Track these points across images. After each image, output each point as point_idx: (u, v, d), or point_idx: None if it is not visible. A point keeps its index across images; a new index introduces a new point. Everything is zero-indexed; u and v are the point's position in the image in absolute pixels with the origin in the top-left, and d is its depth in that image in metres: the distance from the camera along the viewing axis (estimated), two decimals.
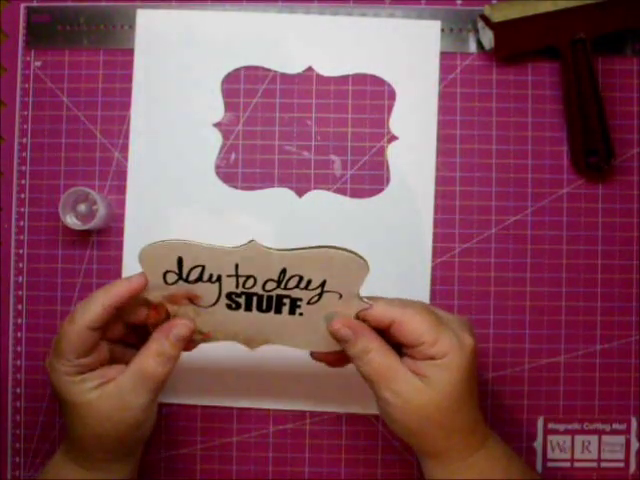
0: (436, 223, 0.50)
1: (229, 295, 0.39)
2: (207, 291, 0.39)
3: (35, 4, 0.51)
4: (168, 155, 0.50)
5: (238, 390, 0.50)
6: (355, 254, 0.38)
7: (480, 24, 0.50)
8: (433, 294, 0.50)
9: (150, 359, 0.39)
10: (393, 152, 0.50)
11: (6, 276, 0.51)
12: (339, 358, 0.41)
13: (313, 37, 0.51)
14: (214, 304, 0.40)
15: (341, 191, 0.50)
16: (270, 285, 0.39)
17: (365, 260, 0.38)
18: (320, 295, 0.39)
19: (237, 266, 0.39)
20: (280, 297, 0.39)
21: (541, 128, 0.50)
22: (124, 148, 0.51)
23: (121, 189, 0.50)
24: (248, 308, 0.40)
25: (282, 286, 0.39)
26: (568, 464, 0.50)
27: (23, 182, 0.51)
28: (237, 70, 0.51)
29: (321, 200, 0.50)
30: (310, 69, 0.51)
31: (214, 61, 0.51)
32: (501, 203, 0.50)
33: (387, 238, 0.50)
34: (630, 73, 0.51)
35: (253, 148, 0.51)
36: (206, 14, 0.51)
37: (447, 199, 0.50)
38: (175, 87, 0.51)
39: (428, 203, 0.50)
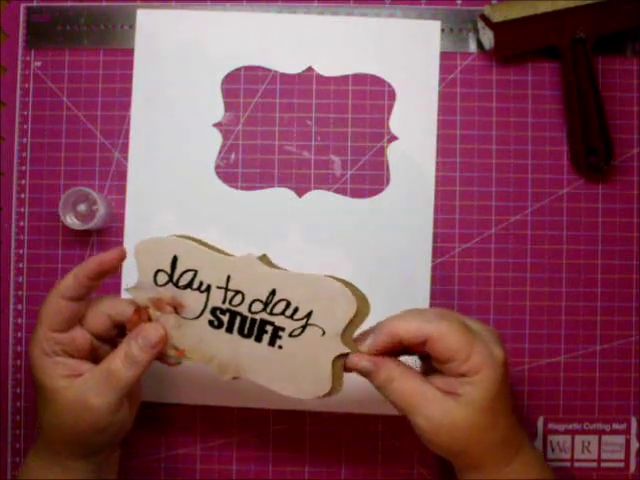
0: (436, 223, 0.50)
1: (214, 311, 0.39)
2: (194, 301, 0.39)
3: (35, 4, 0.51)
4: (168, 155, 0.50)
5: (238, 390, 0.50)
6: (355, 292, 0.38)
7: (480, 24, 0.50)
8: (433, 294, 0.50)
9: (117, 360, 0.39)
10: (393, 152, 0.50)
11: (6, 276, 0.51)
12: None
13: (313, 37, 0.51)
14: (197, 317, 0.39)
15: (341, 191, 0.50)
16: (256, 306, 0.39)
17: (358, 297, 0.38)
18: (304, 328, 0.38)
19: (229, 278, 0.38)
20: (263, 323, 0.39)
21: (541, 128, 0.50)
22: (124, 148, 0.51)
23: (121, 189, 0.50)
24: (229, 329, 0.39)
25: (268, 310, 0.39)
26: (568, 464, 0.50)
27: (23, 182, 0.51)
28: (237, 70, 0.51)
29: (321, 200, 0.50)
30: (310, 69, 0.51)
31: (214, 61, 0.51)
32: (501, 203, 0.50)
33: (387, 238, 0.50)
34: (630, 73, 0.51)
35: (253, 148, 0.51)
36: (206, 14, 0.51)
37: (447, 199, 0.50)
38: (175, 87, 0.51)
39: (428, 203, 0.50)
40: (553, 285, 0.50)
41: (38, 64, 0.51)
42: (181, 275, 0.39)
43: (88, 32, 0.51)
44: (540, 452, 0.42)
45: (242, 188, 0.50)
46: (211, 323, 0.39)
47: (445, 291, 0.50)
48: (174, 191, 0.50)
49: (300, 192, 0.50)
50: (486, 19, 0.49)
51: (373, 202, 0.50)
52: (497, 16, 0.48)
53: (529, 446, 0.41)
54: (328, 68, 0.51)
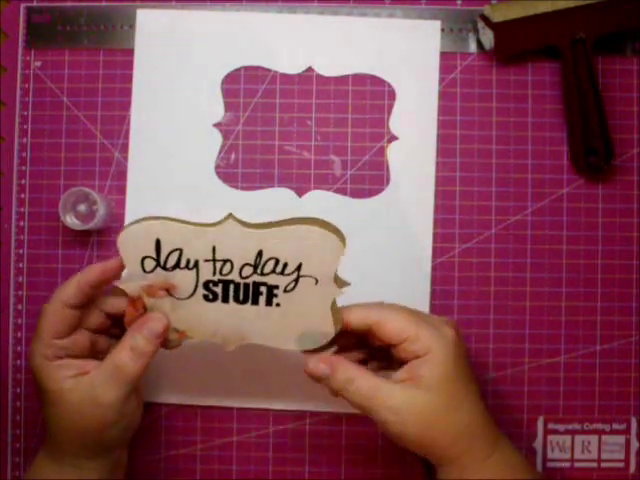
0: (436, 223, 0.50)
1: (206, 284, 0.39)
2: (185, 280, 0.39)
3: (35, 4, 0.51)
4: (168, 155, 0.50)
5: (238, 390, 0.50)
6: (331, 229, 0.38)
7: (480, 24, 0.50)
8: (433, 294, 0.50)
9: (123, 353, 0.39)
10: (393, 152, 0.50)
11: (6, 276, 0.51)
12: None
13: (313, 37, 0.51)
14: (191, 295, 0.39)
15: (341, 191, 0.50)
16: (247, 271, 0.39)
17: (341, 237, 0.38)
18: (296, 281, 0.39)
19: (214, 249, 0.38)
20: (257, 285, 0.39)
21: (541, 128, 0.50)
22: (124, 148, 0.51)
23: (121, 189, 0.50)
24: (225, 299, 0.39)
25: (259, 271, 0.39)
26: (568, 464, 0.50)
27: (23, 182, 0.51)
28: (237, 70, 0.51)
29: (321, 200, 0.50)
30: (310, 69, 0.51)
31: (214, 61, 0.51)
32: (501, 203, 0.50)
33: (387, 238, 0.50)
34: (630, 73, 0.51)
35: (253, 148, 0.51)
36: (206, 14, 0.51)
37: (447, 199, 0.50)
38: (175, 87, 0.51)
39: (428, 203, 0.50)
40: (553, 285, 0.50)
41: (38, 64, 0.51)
42: (167, 257, 0.38)
43: (88, 32, 0.51)
44: (519, 452, 0.42)
45: (242, 188, 0.50)
46: (206, 297, 0.39)
47: (445, 291, 0.50)
48: (174, 191, 0.50)
49: (300, 192, 0.50)
50: (486, 19, 0.49)
51: (373, 202, 0.50)
52: (497, 16, 0.48)
53: (507, 444, 0.41)
54: (328, 68, 0.51)
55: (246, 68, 0.51)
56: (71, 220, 0.49)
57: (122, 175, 0.50)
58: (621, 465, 0.50)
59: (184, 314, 0.40)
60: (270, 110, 0.51)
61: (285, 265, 0.38)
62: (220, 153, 0.51)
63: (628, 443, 0.50)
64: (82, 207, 0.50)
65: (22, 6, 0.51)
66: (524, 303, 0.50)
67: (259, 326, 0.40)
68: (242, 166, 0.51)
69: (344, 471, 0.50)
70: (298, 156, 0.51)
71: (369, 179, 0.50)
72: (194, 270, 0.39)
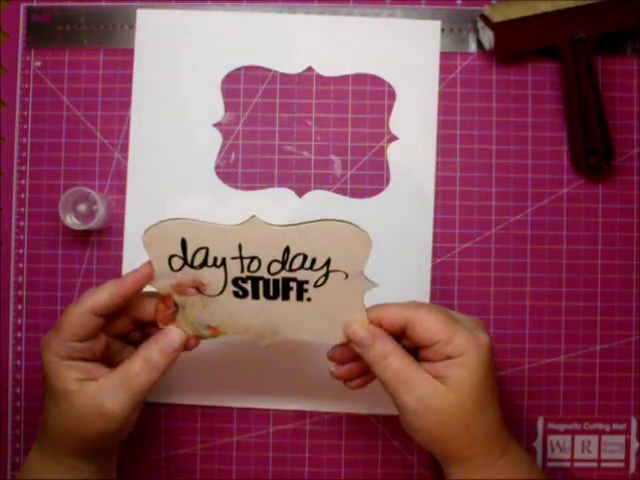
0: (436, 223, 0.50)
1: (235, 281, 0.39)
2: (213, 277, 0.39)
3: (35, 4, 0.51)
4: (168, 155, 0.50)
5: (238, 390, 0.50)
6: (356, 227, 0.38)
7: (480, 24, 0.50)
8: (433, 294, 0.50)
9: (136, 364, 0.38)
10: (393, 152, 0.50)
11: (6, 276, 0.51)
12: (359, 373, 0.41)
13: (313, 37, 0.51)
14: (221, 292, 0.39)
15: (341, 191, 0.50)
16: (275, 267, 0.38)
17: (366, 233, 0.38)
18: (326, 276, 0.39)
19: (240, 247, 0.38)
20: (286, 280, 0.39)
21: (541, 128, 0.50)
22: (124, 148, 0.51)
23: (121, 189, 0.50)
24: (255, 295, 0.39)
25: (287, 267, 0.38)
26: (568, 464, 0.50)
27: (23, 182, 0.51)
28: (237, 70, 0.51)
29: (321, 200, 0.50)
30: (310, 69, 0.51)
31: (214, 61, 0.51)
32: (501, 203, 0.50)
33: (387, 238, 0.50)
34: (630, 73, 0.51)
35: (253, 148, 0.51)
36: (206, 14, 0.51)
37: (447, 199, 0.50)
38: (175, 87, 0.51)
39: (428, 203, 0.50)
40: (553, 285, 0.50)
41: (38, 64, 0.51)
42: (194, 255, 0.38)
43: (88, 32, 0.51)
44: (528, 454, 0.41)
45: (242, 188, 0.50)
46: (236, 294, 0.39)
47: (445, 291, 0.50)
48: (174, 191, 0.50)
49: (300, 192, 0.50)
50: (486, 19, 0.49)
51: (373, 202, 0.50)
52: (497, 16, 0.48)
53: (517, 446, 0.41)
54: (328, 68, 0.51)
55: (246, 68, 0.51)
56: (71, 220, 0.49)
57: (122, 175, 0.50)
58: (621, 465, 0.50)
59: (216, 310, 0.40)
60: (270, 110, 0.51)
61: (314, 260, 0.38)
62: (220, 153, 0.51)
63: (628, 443, 0.50)
64: (82, 207, 0.50)
65: (22, 6, 0.51)
66: (524, 303, 0.50)
67: (292, 321, 0.40)
68: (242, 166, 0.51)
69: (344, 471, 0.50)
70: (298, 156, 0.51)
71: (369, 179, 0.50)
72: (222, 268, 0.39)
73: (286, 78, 0.51)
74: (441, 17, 0.51)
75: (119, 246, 0.50)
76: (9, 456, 0.50)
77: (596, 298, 0.50)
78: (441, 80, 0.50)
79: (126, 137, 0.50)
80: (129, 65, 0.51)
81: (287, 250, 0.38)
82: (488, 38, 0.49)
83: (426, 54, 0.51)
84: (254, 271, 0.39)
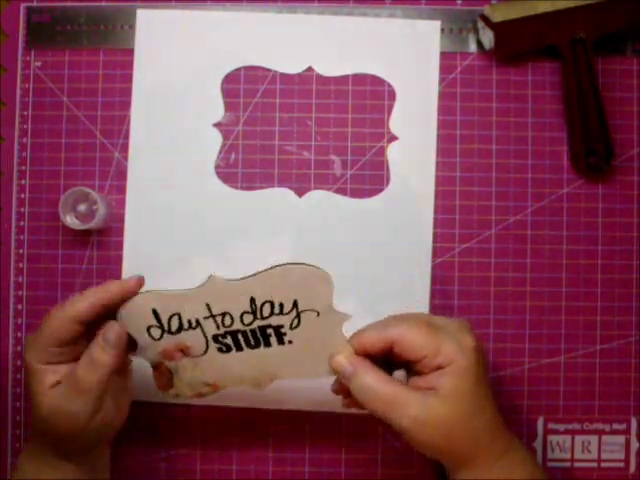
0: (436, 223, 0.50)
1: (215, 338, 0.40)
2: (194, 338, 0.40)
3: (35, 4, 0.51)
4: (168, 155, 0.50)
5: (238, 390, 0.50)
6: (314, 267, 0.38)
7: (480, 24, 0.50)
8: (433, 294, 0.50)
9: (81, 365, 0.39)
10: (393, 152, 0.50)
11: (6, 276, 0.51)
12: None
13: (313, 37, 0.51)
14: (205, 351, 0.40)
15: (341, 191, 0.50)
16: (247, 318, 0.39)
17: (325, 272, 0.38)
18: (298, 317, 0.39)
19: (209, 306, 0.39)
20: (262, 328, 0.40)
21: (541, 128, 0.50)
22: (124, 148, 0.51)
23: (121, 189, 0.50)
24: (239, 347, 0.40)
25: (258, 316, 0.39)
26: (568, 464, 0.50)
27: (23, 182, 0.51)
28: (237, 70, 0.51)
29: (321, 200, 0.50)
30: (310, 69, 0.51)
31: (214, 61, 0.51)
32: (501, 203, 0.50)
33: (387, 238, 0.50)
34: (630, 73, 0.51)
35: (253, 148, 0.51)
36: (206, 14, 0.51)
37: (447, 199, 0.50)
38: (175, 87, 0.51)
39: (428, 203, 0.50)
40: (553, 285, 0.50)
41: (38, 64, 0.51)
42: (169, 322, 0.39)
43: (88, 32, 0.51)
44: (530, 452, 0.41)
45: (242, 188, 0.50)
46: (220, 350, 0.40)
47: (445, 291, 0.50)
48: (174, 191, 0.50)
49: (300, 192, 0.50)
50: (486, 19, 0.49)
51: (373, 202, 0.50)
52: (497, 16, 0.48)
53: (520, 444, 0.41)
54: (328, 68, 0.51)
55: (246, 68, 0.51)
56: (71, 220, 0.49)
57: (122, 175, 0.50)
58: (621, 465, 0.50)
59: (207, 368, 0.41)
60: (270, 110, 0.51)
61: (281, 305, 0.39)
62: (220, 153, 0.51)
63: (628, 443, 0.50)
64: (82, 207, 0.50)
65: (22, 6, 0.51)
66: (524, 303, 0.50)
67: (282, 364, 0.41)
68: (242, 166, 0.51)
69: (344, 471, 0.50)
70: (298, 156, 0.51)
71: (369, 179, 0.50)
72: (198, 329, 0.40)
73: (286, 78, 0.51)
74: (441, 17, 0.51)
75: (119, 246, 0.50)
76: (9, 456, 0.50)
77: (596, 298, 0.50)
78: (441, 80, 0.50)
79: (126, 137, 0.51)
80: (129, 65, 0.51)
81: (253, 300, 0.39)
82: (488, 38, 0.49)
83: (426, 54, 0.51)
84: (229, 326, 0.40)
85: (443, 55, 0.51)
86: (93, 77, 0.51)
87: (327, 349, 0.40)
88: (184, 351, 0.40)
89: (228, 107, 0.51)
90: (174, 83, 0.51)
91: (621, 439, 0.50)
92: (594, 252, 0.50)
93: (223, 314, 0.39)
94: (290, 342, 0.40)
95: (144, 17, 0.51)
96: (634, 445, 0.50)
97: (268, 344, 0.40)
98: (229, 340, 0.40)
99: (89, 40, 0.51)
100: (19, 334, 0.51)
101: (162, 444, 0.50)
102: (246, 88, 0.51)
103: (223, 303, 0.39)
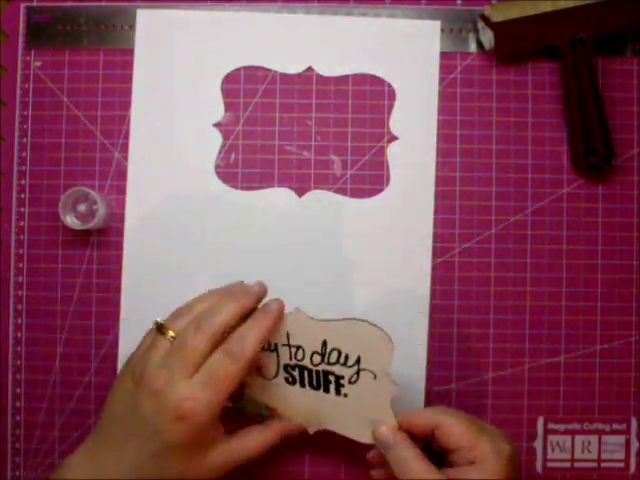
0: (436, 223, 0.50)
1: (285, 367, 0.42)
2: (268, 361, 0.42)
3: (35, 4, 0.51)
4: (168, 155, 0.50)
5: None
6: (379, 329, 0.40)
7: (480, 24, 0.50)
8: (433, 294, 0.50)
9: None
10: (393, 152, 0.50)
11: (6, 276, 0.51)
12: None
13: (313, 37, 0.51)
14: (275, 376, 0.42)
15: (341, 191, 0.50)
16: (316, 359, 0.42)
17: (387, 336, 0.40)
18: (358, 373, 0.41)
19: (288, 335, 0.41)
20: (326, 373, 0.42)
21: (541, 128, 0.50)
22: (124, 148, 0.50)
23: (121, 189, 0.50)
24: (302, 383, 0.42)
25: (326, 360, 0.42)
26: (568, 464, 0.50)
27: (23, 182, 0.51)
28: (237, 70, 0.51)
29: (321, 200, 0.50)
30: (310, 69, 0.51)
31: (214, 61, 0.51)
32: (501, 203, 0.50)
33: (387, 238, 0.50)
34: (630, 73, 0.51)
35: (253, 148, 0.51)
36: (206, 14, 0.51)
37: (447, 199, 0.50)
38: (175, 87, 0.51)
39: (428, 203, 0.50)
40: (553, 285, 0.50)
41: (38, 64, 0.51)
42: None
43: (88, 32, 0.51)
44: None
45: (242, 188, 0.50)
46: (287, 380, 0.43)
47: (445, 291, 0.50)
48: (174, 191, 0.50)
49: (300, 192, 0.50)
50: (486, 19, 0.49)
51: (373, 202, 0.50)
52: (497, 16, 0.48)
53: None
54: (328, 68, 0.51)
55: (246, 68, 0.51)
56: (71, 220, 0.49)
57: (122, 175, 0.50)
58: (621, 465, 0.50)
59: (272, 393, 0.43)
60: (270, 110, 0.51)
61: (347, 357, 0.41)
62: (220, 153, 0.51)
63: (628, 443, 0.50)
64: (82, 207, 0.50)
65: (22, 6, 0.51)
66: (524, 303, 0.50)
67: (333, 413, 0.43)
68: (242, 166, 0.51)
69: (344, 471, 0.50)
70: (298, 156, 0.51)
71: (369, 179, 0.50)
72: (275, 353, 0.42)
73: (286, 78, 0.51)
74: (441, 17, 0.51)
75: (119, 246, 0.50)
76: (9, 456, 0.50)
77: (596, 298, 0.50)
78: (441, 80, 0.50)
79: (126, 137, 0.50)
80: (129, 65, 0.51)
81: (324, 344, 0.41)
82: (488, 38, 0.49)
83: (426, 54, 0.51)
84: (300, 360, 0.42)
85: (443, 55, 0.51)
86: (93, 77, 0.51)
87: (372, 414, 0.41)
88: (259, 370, 0.42)
89: (228, 107, 0.51)
90: (174, 83, 0.51)
91: (621, 439, 0.50)
92: (594, 252, 0.50)
93: (297, 347, 0.42)
94: (345, 395, 0.42)
95: (144, 17, 0.51)
96: (634, 445, 0.50)
97: (327, 390, 0.42)
98: (296, 373, 0.42)
99: (89, 40, 0.51)
100: (19, 334, 0.51)
101: None
102: (246, 88, 0.51)
103: (300, 337, 0.41)
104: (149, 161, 0.50)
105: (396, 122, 0.50)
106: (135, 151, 0.50)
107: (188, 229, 0.50)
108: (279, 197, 0.50)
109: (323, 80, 0.51)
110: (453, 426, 0.40)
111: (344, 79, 0.51)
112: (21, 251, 0.51)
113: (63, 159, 0.51)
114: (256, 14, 0.51)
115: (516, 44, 0.50)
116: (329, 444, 0.50)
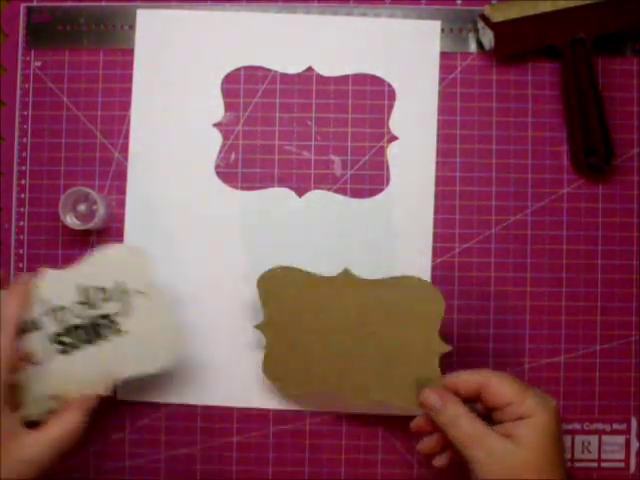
0: (436, 223, 0.50)
1: (57, 339, 0.39)
2: (35, 341, 0.39)
3: (35, 4, 0.51)
4: (168, 155, 0.50)
5: (238, 390, 0.50)
6: (127, 245, 0.39)
7: (480, 24, 0.50)
8: None
9: None
10: (393, 152, 0.50)
11: (6, 276, 0.51)
12: (442, 448, 0.43)
13: (313, 37, 0.51)
14: (48, 356, 0.39)
15: (341, 191, 0.50)
16: (79, 308, 0.40)
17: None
18: (127, 302, 0.40)
19: (47, 302, 0.39)
20: (95, 319, 0.40)
21: (541, 128, 0.50)
22: (124, 148, 0.51)
23: (121, 189, 0.50)
24: (76, 345, 0.40)
25: (91, 303, 0.40)
26: (568, 464, 0.50)
27: (23, 182, 0.51)
28: (237, 70, 0.51)
29: (321, 200, 0.50)
30: (310, 69, 0.51)
31: (214, 61, 0.51)
32: (501, 203, 0.50)
33: (387, 238, 0.50)
34: (630, 73, 0.51)
35: (253, 148, 0.51)
36: (206, 14, 0.51)
37: (447, 199, 0.50)
38: (175, 87, 0.51)
39: (428, 203, 0.50)
40: (553, 285, 0.50)
41: (38, 64, 0.51)
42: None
43: (88, 32, 0.51)
44: None
45: (242, 188, 0.50)
46: (62, 351, 0.40)
47: (445, 291, 0.50)
48: (174, 191, 0.50)
49: (300, 192, 0.50)
50: (486, 19, 0.49)
51: (373, 202, 0.50)
52: (497, 16, 0.48)
53: None
54: (328, 68, 0.51)
55: (246, 68, 0.51)
56: (71, 220, 0.49)
57: (122, 175, 0.50)
58: (621, 465, 0.50)
59: (51, 377, 0.39)
60: (270, 110, 0.51)
61: (104, 289, 0.39)
62: (220, 153, 0.51)
63: (628, 443, 0.50)
64: (82, 207, 0.50)
65: (22, 6, 0.51)
66: (524, 303, 0.50)
67: (121, 359, 0.40)
68: (242, 166, 0.51)
69: (344, 471, 0.50)
70: (298, 156, 0.51)
71: (369, 179, 0.50)
72: (40, 331, 0.39)
73: (286, 78, 0.51)
74: (441, 17, 0.51)
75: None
76: None
77: (596, 298, 0.50)
78: (441, 80, 0.50)
79: (126, 137, 0.51)
80: (129, 65, 0.51)
81: (80, 287, 0.39)
82: (488, 38, 0.49)
83: (426, 54, 0.51)
84: (67, 320, 0.39)
85: (443, 55, 0.51)
86: (93, 77, 0.51)
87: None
88: (28, 358, 0.39)
89: (228, 107, 0.51)
90: (174, 83, 0.51)
91: (621, 439, 0.50)
92: (594, 252, 0.50)
93: (60, 308, 0.38)
94: (127, 332, 0.39)
95: (144, 17, 0.51)
96: (634, 445, 0.50)
97: (104, 336, 0.39)
98: (68, 338, 0.39)
99: (89, 40, 0.51)
100: None
101: (162, 444, 0.50)
102: (246, 88, 0.51)
103: (57, 295, 0.38)
104: (149, 161, 0.50)
105: (396, 122, 0.50)
106: (135, 151, 0.50)
107: (188, 229, 0.50)
108: (279, 197, 0.50)
109: (323, 80, 0.51)
110: (500, 384, 0.40)
111: (344, 79, 0.51)
112: (21, 251, 0.51)
113: (63, 159, 0.51)
114: (256, 14, 0.51)
115: (516, 44, 0.50)
116: (329, 444, 0.50)
